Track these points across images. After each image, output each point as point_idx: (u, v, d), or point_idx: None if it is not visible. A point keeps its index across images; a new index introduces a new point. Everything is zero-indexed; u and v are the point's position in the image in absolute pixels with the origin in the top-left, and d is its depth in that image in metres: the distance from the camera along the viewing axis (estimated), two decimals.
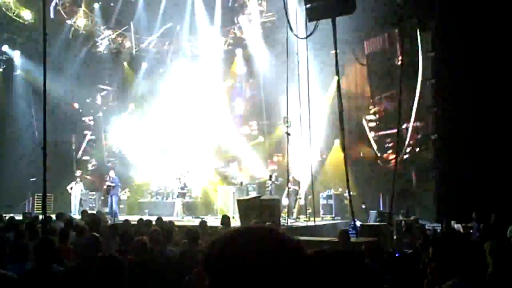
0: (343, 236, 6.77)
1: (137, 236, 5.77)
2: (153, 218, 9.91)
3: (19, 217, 11.64)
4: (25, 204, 17.35)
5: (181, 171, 17.80)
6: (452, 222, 10.53)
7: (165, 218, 11.46)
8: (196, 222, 11.25)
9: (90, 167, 20.58)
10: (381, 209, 14.29)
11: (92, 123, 21.00)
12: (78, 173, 19.96)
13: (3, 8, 16.79)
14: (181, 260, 5.34)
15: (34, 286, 3.84)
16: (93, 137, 21.01)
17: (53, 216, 10.17)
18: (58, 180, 17.56)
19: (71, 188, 17.83)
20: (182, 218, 15.35)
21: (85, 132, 20.86)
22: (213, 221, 12.32)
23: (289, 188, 14.09)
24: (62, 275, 4.01)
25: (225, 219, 9.19)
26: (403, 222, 10.65)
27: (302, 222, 13.72)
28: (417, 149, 14.70)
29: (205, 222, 9.24)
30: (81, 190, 18.10)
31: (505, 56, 11.86)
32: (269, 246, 1.14)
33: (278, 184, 15.04)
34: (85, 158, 20.64)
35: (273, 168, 18.04)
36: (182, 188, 16.42)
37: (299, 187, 14.96)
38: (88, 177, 20.12)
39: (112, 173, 18.45)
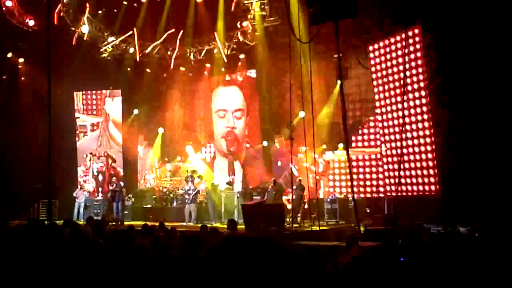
0: (351, 241, 6.76)
1: (141, 241, 5.77)
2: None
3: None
4: (31, 211, 17.39)
5: (188, 174, 17.79)
6: (458, 225, 10.48)
7: (173, 224, 11.48)
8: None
9: (94, 173, 20.56)
10: (386, 213, 14.25)
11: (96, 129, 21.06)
12: (82, 179, 20.05)
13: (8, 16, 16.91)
14: (183, 265, 5.33)
15: None
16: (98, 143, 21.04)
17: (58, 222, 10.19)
18: (62, 186, 17.65)
19: (76, 194, 17.92)
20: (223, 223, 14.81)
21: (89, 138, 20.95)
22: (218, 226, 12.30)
23: (293, 192, 14.07)
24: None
25: (231, 223, 9.17)
26: (408, 226, 10.60)
27: (306, 226, 13.70)
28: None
29: (206, 226, 9.23)
30: (85, 197, 18.16)
31: (508, 57, 11.85)
32: (263, 255, 1.16)
33: (278, 188, 15.00)
34: (89, 164, 20.65)
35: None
36: (195, 193, 16.23)
37: (303, 192, 14.93)
38: (93, 183, 20.17)
39: (116, 179, 18.53)
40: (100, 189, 20.03)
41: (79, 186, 18.84)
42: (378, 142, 16.11)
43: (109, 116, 21.00)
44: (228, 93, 20.14)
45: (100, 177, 20.30)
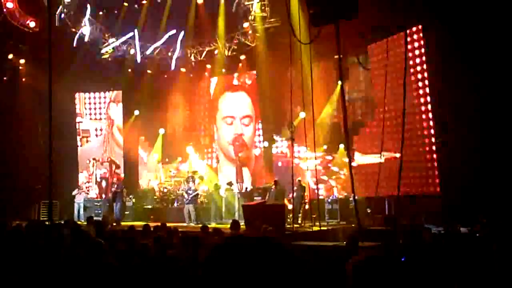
0: (352, 241, 6.77)
1: (142, 241, 5.78)
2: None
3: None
4: (31, 211, 17.39)
5: (188, 174, 17.78)
6: (458, 225, 10.48)
7: (173, 224, 11.50)
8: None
9: (97, 179, 20.37)
10: (387, 213, 14.24)
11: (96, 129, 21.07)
12: (85, 186, 19.98)
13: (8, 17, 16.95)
14: (184, 265, 5.34)
15: None
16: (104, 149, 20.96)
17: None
18: (63, 187, 17.66)
19: (75, 193, 17.88)
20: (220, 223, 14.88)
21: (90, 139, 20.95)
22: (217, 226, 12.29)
23: (293, 192, 14.06)
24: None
25: (234, 224, 9.18)
26: (408, 226, 10.59)
27: (307, 227, 13.69)
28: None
29: (207, 227, 9.24)
30: (84, 198, 18.13)
31: (508, 57, 11.85)
32: (263, 255, 1.17)
33: (279, 189, 14.99)
34: (92, 170, 20.53)
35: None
36: (194, 194, 16.21)
37: (304, 192, 14.92)
38: (96, 189, 20.13)
39: (117, 180, 18.55)
40: (103, 196, 19.74)
41: (79, 186, 18.79)
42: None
43: (113, 122, 20.92)
44: (235, 99, 19.90)
45: (104, 184, 19.99)
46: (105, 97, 21.04)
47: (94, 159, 20.53)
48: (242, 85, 19.93)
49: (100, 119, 21.05)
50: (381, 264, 1.86)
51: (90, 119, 20.99)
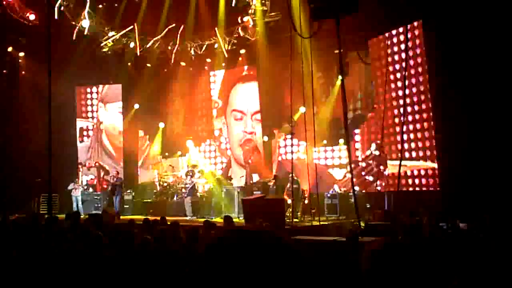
0: (351, 236, 6.79)
1: (142, 236, 5.79)
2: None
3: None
4: (31, 205, 17.40)
5: (188, 168, 17.78)
6: (458, 221, 10.49)
7: (173, 218, 11.50)
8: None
9: (84, 186, 19.98)
10: (386, 208, 14.26)
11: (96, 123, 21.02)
12: (80, 174, 19.89)
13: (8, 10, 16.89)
14: (183, 259, 5.36)
15: None
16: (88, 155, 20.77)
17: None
18: (62, 180, 17.66)
19: (71, 188, 17.81)
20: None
21: (89, 132, 20.91)
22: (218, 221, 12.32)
23: (290, 187, 14.07)
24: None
25: (228, 219, 9.20)
26: (408, 221, 10.59)
27: (306, 221, 13.72)
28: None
29: (209, 221, 9.25)
30: (81, 192, 18.07)
31: (507, 55, 11.83)
32: (264, 249, 1.17)
33: (279, 184, 15.02)
34: (89, 158, 20.53)
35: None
36: (191, 186, 16.22)
37: (299, 186, 14.92)
38: (92, 177, 20.10)
39: (117, 173, 18.57)
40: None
41: (74, 181, 18.62)
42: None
43: (102, 125, 20.43)
44: (247, 91, 19.14)
45: (91, 190, 19.11)
46: (91, 93, 20.50)
47: (80, 163, 19.90)
48: (254, 75, 19.07)
49: (87, 117, 20.51)
50: (403, 250, 1.81)
51: (77, 117, 20.48)
